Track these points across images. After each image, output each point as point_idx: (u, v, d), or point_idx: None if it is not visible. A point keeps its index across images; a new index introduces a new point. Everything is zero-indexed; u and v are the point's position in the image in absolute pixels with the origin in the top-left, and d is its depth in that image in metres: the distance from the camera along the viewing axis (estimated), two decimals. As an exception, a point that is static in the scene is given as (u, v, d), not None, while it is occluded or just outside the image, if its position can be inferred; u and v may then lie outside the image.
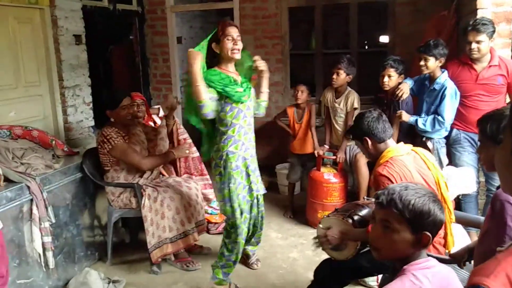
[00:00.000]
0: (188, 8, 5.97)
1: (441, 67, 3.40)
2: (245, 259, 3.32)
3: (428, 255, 1.50)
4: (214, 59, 2.80)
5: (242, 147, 2.82)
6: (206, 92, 2.64)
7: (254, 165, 2.95)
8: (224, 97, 2.73)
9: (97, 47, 4.94)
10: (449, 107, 3.29)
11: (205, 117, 2.71)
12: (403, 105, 3.51)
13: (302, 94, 4.12)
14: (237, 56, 2.73)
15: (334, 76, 3.89)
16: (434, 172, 2.21)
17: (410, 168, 2.14)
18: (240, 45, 2.72)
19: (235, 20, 5.35)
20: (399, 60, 3.57)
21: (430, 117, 3.35)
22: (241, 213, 2.85)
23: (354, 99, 3.91)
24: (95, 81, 4.54)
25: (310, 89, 4.26)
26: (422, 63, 3.34)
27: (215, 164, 2.84)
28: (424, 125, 3.35)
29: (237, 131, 2.79)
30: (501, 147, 0.93)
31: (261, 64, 2.85)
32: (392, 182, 2.05)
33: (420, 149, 2.31)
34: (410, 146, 2.30)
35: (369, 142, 2.26)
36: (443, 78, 3.34)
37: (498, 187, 1.69)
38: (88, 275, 3.05)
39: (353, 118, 3.90)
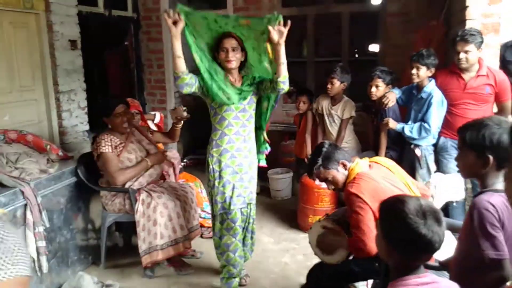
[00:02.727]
0: (182, 15, 6.02)
1: (431, 76, 3.49)
2: None
3: (424, 265, 1.54)
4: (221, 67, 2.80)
5: (225, 154, 2.80)
6: (182, 64, 2.61)
7: (246, 176, 2.89)
8: (210, 99, 2.75)
9: (92, 53, 4.97)
10: (435, 115, 3.37)
11: (180, 89, 2.67)
12: (390, 113, 3.59)
13: (304, 104, 4.36)
14: (230, 65, 2.71)
15: (329, 86, 3.97)
16: (398, 175, 2.30)
17: (377, 179, 2.22)
18: (233, 56, 2.70)
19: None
20: (386, 71, 3.66)
21: (417, 124, 3.43)
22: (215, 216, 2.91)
23: (351, 108, 4.00)
24: (90, 86, 4.57)
25: (310, 98, 4.41)
26: (414, 71, 3.43)
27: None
28: (411, 132, 3.43)
29: (219, 137, 2.80)
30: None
31: (273, 31, 2.56)
32: (360, 199, 2.13)
33: (379, 158, 2.42)
34: (367, 158, 2.40)
35: (346, 166, 2.33)
36: (430, 86, 3.42)
37: (475, 195, 1.74)
38: (81, 279, 3.06)
39: (349, 125, 4.03)
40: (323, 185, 3.88)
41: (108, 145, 3.19)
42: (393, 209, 1.48)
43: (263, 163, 3.18)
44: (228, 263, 2.92)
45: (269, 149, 3.20)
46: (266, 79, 2.78)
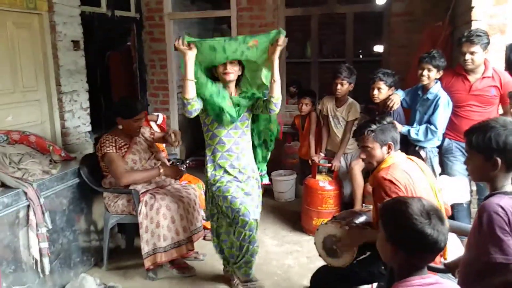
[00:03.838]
0: (186, 16, 6.02)
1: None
2: (229, 280, 3.18)
3: (429, 268, 1.52)
4: (217, 80, 2.76)
5: (218, 169, 2.82)
6: (193, 90, 2.57)
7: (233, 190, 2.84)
8: (205, 115, 2.71)
9: (95, 53, 4.95)
10: (442, 117, 3.34)
11: (188, 115, 2.64)
12: (394, 115, 3.55)
13: (307, 106, 4.33)
14: (228, 78, 2.68)
15: (339, 87, 3.93)
16: (429, 179, 2.26)
17: (411, 174, 2.18)
18: (231, 68, 2.66)
19: (232, 29, 5.39)
20: (389, 73, 3.62)
21: (423, 127, 3.40)
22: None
23: (356, 109, 3.98)
24: (92, 86, 4.55)
25: (313, 100, 4.39)
26: (424, 73, 3.38)
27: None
28: (417, 134, 3.39)
29: (213, 153, 2.81)
30: None
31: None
32: (397, 186, 2.09)
33: (414, 158, 2.36)
34: (404, 154, 2.35)
35: (391, 149, 2.28)
36: (437, 88, 3.39)
37: (485, 198, 1.72)
38: (84, 281, 3.05)
39: (354, 128, 3.99)
40: (327, 187, 3.92)
41: (112, 145, 3.18)
42: (397, 211, 1.48)
43: (265, 181, 3.20)
44: (251, 255, 2.84)
45: (264, 172, 3.16)
46: (260, 98, 2.75)
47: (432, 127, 3.35)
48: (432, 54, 3.38)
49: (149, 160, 3.39)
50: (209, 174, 2.85)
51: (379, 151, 2.28)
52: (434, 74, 3.38)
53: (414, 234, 1.41)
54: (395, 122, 3.46)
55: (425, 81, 3.41)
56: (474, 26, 3.49)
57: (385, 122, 2.31)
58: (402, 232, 1.44)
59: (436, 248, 1.42)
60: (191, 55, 2.50)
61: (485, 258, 1.59)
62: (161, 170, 3.26)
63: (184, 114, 2.67)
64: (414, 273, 1.45)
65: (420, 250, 1.43)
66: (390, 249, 1.48)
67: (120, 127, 3.27)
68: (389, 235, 1.48)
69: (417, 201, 1.47)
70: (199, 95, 2.66)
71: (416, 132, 3.40)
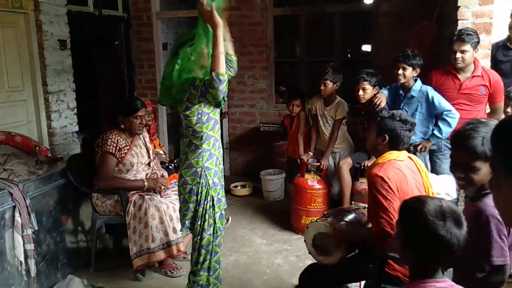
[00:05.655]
0: (174, 15, 5.99)
1: (424, 75, 3.48)
2: None
3: None
4: None
5: (216, 162, 2.54)
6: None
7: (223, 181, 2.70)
8: (202, 105, 2.40)
9: (82, 52, 4.91)
10: (443, 100, 3.33)
11: (222, 95, 2.27)
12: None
13: (297, 107, 4.43)
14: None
15: (322, 87, 3.97)
16: (425, 180, 2.27)
17: (406, 173, 2.19)
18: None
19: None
20: (372, 72, 3.66)
21: (439, 123, 3.34)
22: (215, 233, 2.58)
23: (344, 108, 4.00)
24: (79, 86, 4.51)
25: (302, 101, 4.46)
26: (400, 72, 3.42)
27: (184, 181, 2.52)
28: (440, 132, 3.32)
29: (213, 145, 2.50)
30: (502, 190, 0.96)
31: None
32: (387, 183, 2.09)
33: (415, 157, 2.37)
34: (407, 153, 2.34)
35: (385, 141, 2.26)
36: (418, 85, 3.43)
37: (474, 197, 1.73)
38: (71, 282, 3.03)
39: (343, 127, 4.03)
40: (316, 185, 3.93)
41: (113, 145, 3.19)
42: (412, 209, 1.47)
43: None
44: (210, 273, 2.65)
45: None
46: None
47: (448, 113, 3.29)
48: (406, 53, 3.41)
49: (144, 165, 3.38)
50: (212, 172, 2.50)
51: (373, 137, 2.30)
52: (410, 72, 3.40)
53: (426, 234, 1.39)
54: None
55: (402, 80, 3.44)
56: (460, 25, 3.53)
57: (395, 119, 2.25)
58: (415, 231, 1.43)
59: (448, 251, 1.39)
60: (221, 21, 2.24)
61: (484, 260, 1.61)
62: (145, 184, 3.23)
63: (216, 95, 2.27)
64: (428, 275, 1.41)
65: (431, 250, 1.40)
66: (402, 246, 1.47)
67: (122, 126, 3.26)
68: (403, 232, 1.47)
69: (436, 201, 1.45)
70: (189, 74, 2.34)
71: (439, 131, 3.34)
